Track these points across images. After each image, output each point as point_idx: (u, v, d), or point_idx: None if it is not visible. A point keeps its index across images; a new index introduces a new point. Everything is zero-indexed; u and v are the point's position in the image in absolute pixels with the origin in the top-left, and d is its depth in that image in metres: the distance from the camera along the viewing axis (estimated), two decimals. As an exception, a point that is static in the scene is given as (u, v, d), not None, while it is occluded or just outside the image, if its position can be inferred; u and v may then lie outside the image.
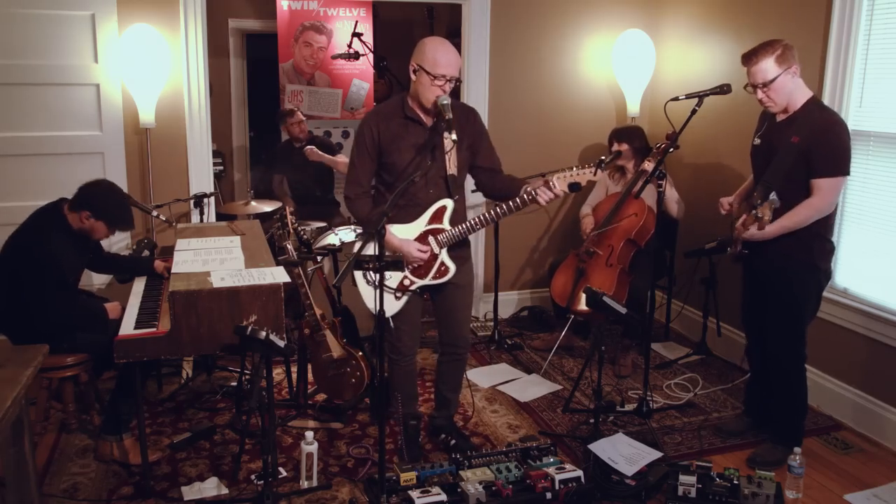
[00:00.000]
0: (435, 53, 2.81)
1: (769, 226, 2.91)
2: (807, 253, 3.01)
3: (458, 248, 3.04)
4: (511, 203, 2.87)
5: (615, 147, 4.30)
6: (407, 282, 3.00)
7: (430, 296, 3.16)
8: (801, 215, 2.94)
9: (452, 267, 3.01)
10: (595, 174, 2.80)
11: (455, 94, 2.94)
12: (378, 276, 2.57)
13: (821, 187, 2.91)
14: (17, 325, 3.09)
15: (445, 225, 2.98)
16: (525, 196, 2.85)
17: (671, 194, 4.16)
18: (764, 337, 3.21)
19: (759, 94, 2.96)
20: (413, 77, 2.88)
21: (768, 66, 2.90)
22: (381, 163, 2.98)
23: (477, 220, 2.94)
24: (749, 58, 2.95)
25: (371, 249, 2.77)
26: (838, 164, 2.90)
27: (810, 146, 2.89)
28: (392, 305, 3.01)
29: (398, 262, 2.71)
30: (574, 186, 2.81)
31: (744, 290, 3.37)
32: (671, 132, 3.46)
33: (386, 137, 2.93)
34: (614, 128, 4.47)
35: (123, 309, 3.12)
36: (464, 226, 2.95)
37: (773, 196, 2.87)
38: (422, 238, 2.98)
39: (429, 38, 2.92)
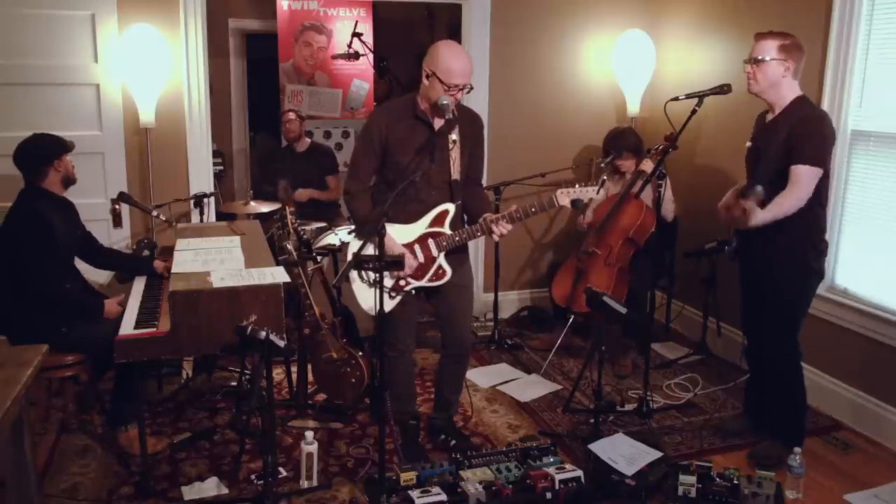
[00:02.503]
0: (449, 62, 2.79)
1: (758, 215, 2.90)
2: (798, 254, 3.03)
3: (457, 249, 3.05)
4: (469, 228, 2.97)
5: (613, 155, 4.28)
6: (402, 282, 3.00)
7: (426, 298, 3.16)
8: (785, 205, 2.93)
9: (449, 271, 3.01)
10: (598, 192, 2.88)
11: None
12: (376, 275, 2.58)
13: (799, 175, 2.91)
14: (14, 316, 3.09)
15: (446, 229, 2.98)
16: (482, 224, 2.93)
17: (666, 195, 4.16)
18: (760, 337, 3.22)
19: (748, 67, 3.03)
20: (426, 81, 2.87)
21: (769, 47, 2.98)
22: (385, 161, 2.98)
23: (478, 227, 2.95)
24: (762, 34, 3.04)
25: (370, 249, 2.77)
26: (817, 154, 2.91)
27: (791, 135, 2.93)
28: (386, 304, 3.00)
29: (398, 262, 2.71)
30: (576, 203, 2.89)
31: (741, 292, 3.37)
32: (670, 133, 3.46)
33: (393, 137, 2.93)
34: (610, 135, 4.43)
35: (122, 309, 3.11)
36: (464, 232, 2.96)
37: (758, 188, 2.92)
38: (421, 240, 2.98)
39: (443, 42, 2.90)
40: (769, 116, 3.10)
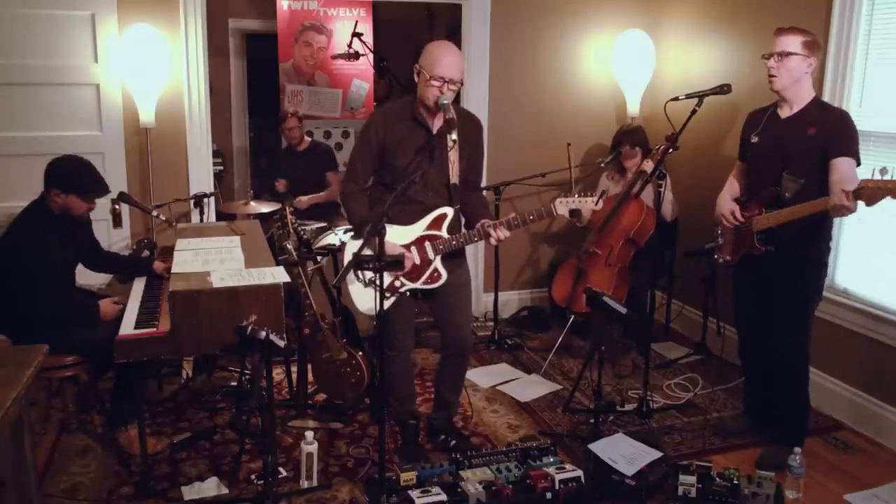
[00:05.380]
0: (435, 55, 2.83)
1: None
2: (816, 249, 3.07)
3: (454, 251, 3.05)
4: (466, 233, 2.97)
5: (625, 149, 4.28)
6: (398, 283, 3.00)
7: (425, 299, 3.16)
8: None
9: (445, 274, 3.01)
10: (597, 204, 2.88)
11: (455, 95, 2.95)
12: (374, 275, 2.58)
13: (846, 165, 2.91)
14: (11, 323, 3.09)
15: (443, 233, 2.98)
16: (479, 229, 2.94)
17: (666, 196, 4.16)
18: (768, 336, 3.21)
19: (771, 62, 3.01)
20: (416, 79, 2.90)
21: (793, 42, 2.97)
22: (383, 163, 2.98)
23: (475, 232, 2.95)
24: (784, 29, 3.03)
25: (368, 250, 2.77)
26: (854, 148, 2.95)
27: (829, 133, 2.94)
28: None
29: (398, 262, 2.71)
30: (575, 213, 2.90)
31: (736, 291, 3.37)
32: (671, 133, 3.46)
33: (391, 139, 2.94)
34: (622, 130, 4.44)
35: (120, 309, 3.11)
36: (461, 237, 2.96)
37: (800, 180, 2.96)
38: (418, 242, 2.98)
39: (436, 41, 2.95)
40: (784, 113, 3.09)
